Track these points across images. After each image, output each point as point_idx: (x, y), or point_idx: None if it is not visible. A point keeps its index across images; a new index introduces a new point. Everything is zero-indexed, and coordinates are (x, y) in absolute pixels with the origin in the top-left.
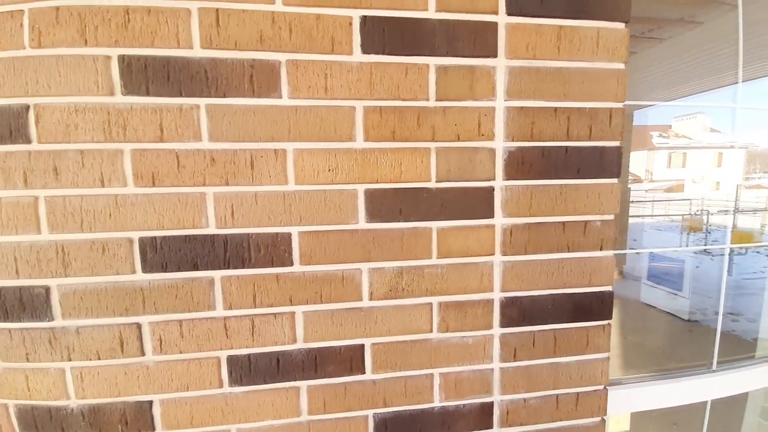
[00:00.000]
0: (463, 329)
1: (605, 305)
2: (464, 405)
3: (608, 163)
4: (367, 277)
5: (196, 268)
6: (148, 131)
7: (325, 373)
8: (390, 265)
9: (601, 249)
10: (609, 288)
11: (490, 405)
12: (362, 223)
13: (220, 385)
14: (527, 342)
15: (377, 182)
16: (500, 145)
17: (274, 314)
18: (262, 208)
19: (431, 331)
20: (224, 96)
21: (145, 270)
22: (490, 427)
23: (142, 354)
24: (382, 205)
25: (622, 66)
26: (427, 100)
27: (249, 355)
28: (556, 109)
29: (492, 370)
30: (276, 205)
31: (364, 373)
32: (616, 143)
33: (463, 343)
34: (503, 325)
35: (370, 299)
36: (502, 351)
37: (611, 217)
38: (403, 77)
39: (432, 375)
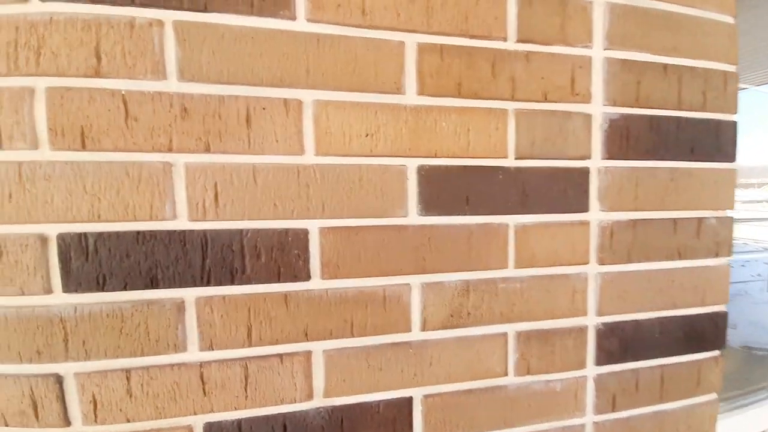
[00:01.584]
0: (548, 370)
1: (719, 330)
2: None
3: (724, 142)
4: (419, 296)
5: (154, 284)
6: (76, 59)
7: None
8: (452, 278)
9: (716, 256)
10: (723, 308)
11: None
12: (413, 217)
13: None
14: (629, 384)
15: (435, 156)
16: (599, 109)
17: (280, 356)
18: (265, 190)
19: (506, 373)
20: (205, 9)
21: (68, 288)
22: None
23: (67, 423)
24: (443, 190)
25: (732, 20)
26: (505, 39)
27: (239, 421)
28: (665, 66)
29: (583, 426)
30: (286, 186)
31: None
32: (732, 117)
33: (549, 391)
34: (600, 362)
35: (423, 329)
36: (598, 399)
37: (728, 213)
38: (474, 4)
39: None
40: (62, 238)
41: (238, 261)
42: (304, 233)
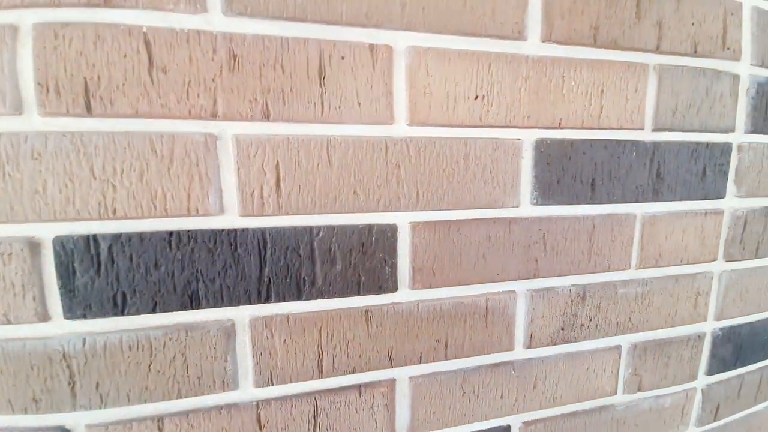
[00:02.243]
0: (660, 385)
1: None
2: None
3: None
4: (526, 306)
5: (195, 303)
6: None
7: None
8: (566, 282)
9: None
10: None
11: None
12: (526, 207)
13: None
14: (733, 392)
15: (559, 126)
16: (746, 71)
17: (358, 387)
18: (342, 173)
19: (615, 392)
20: None
21: (72, 313)
22: None
23: None
24: (565, 172)
25: None
26: None
27: None
28: None
29: None
30: (370, 167)
31: None
32: None
33: (658, 407)
34: (711, 371)
35: (528, 346)
36: (703, 410)
37: None
38: None
39: None
40: (61, 244)
41: (306, 269)
42: (392, 230)
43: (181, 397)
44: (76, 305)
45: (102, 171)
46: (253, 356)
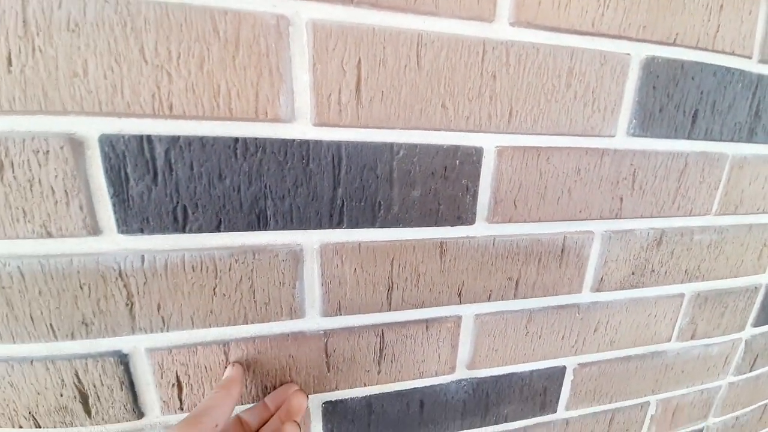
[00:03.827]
0: (712, 334)
1: None
2: None
3: None
4: (601, 247)
5: (262, 223)
6: None
7: (498, 415)
8: (645, 225)
9: None
10: None
11: (700, 431)
12: (622, 137)
13: None
14: None
15: (673, 43)
16: None
17: (426, 322)
18: (431, 80)
19: (669, 339)
20: None
21: (128, 226)
22: None
23: (138, 415)
24: (670, 100)
25: None
26: None
27: (368, 399)
28: None
29: (719, 387)
30: (463, 75)
31: (554, 412)
32: None
33: (705, 355)
34: (758, 323)
35: (597, 289)
36: (743, 360)
37: None
38: None
39: (647, 404)
40: (110, 143)
41: (383, 192)
42: (478, 154)
43: (247, 323)
44: (132, 218)
45: (154, 53)
46: (322, 284)
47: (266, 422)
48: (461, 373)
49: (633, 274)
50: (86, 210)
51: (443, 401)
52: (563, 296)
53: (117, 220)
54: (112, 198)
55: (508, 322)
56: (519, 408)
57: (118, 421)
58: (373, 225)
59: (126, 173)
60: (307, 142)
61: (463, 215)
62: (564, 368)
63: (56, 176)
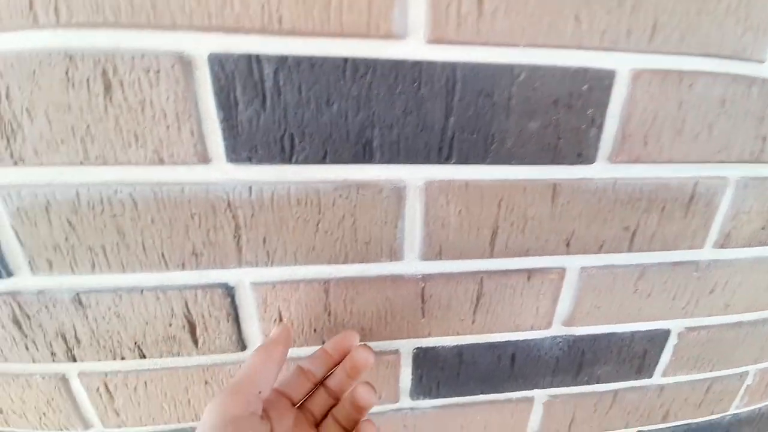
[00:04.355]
0: None
1: None
2: (759, 409)
3: None
4: (733, 196)
5: (368, 155)
6: None
7: (591, 375)
8: None
9: None
10: None
11: None
12: None
13: None
14: None
15: None
16: None
17: (528, 272)
18: None
19: None
20: None
21: (236, 155)
22: None
23: (240, 347)
24: None
25: None
26: None
27: (459, 348)
28: None
29: None
30: None
31: (650, 377)
32: None
33: None
34: None
35: (721, 245)
36: None
37: None
38: None
39: (746, 373)
40: (219, 63)
41: (498, 123)
42: (609, 78)
43: (347, 262)
44: (241, 146)
45: None
46: (424, 225)
47: (330, 370)
48: (557, 329)
49: (763, 228)
50: (197, 136)
51: (536, 357)
52: (682, 251)
53: (226, 148)
54: (221, 123)
55: (617, 278)
56: (614, 370)
57: (223, 352)
58: (483, 161)
59: (235, 96)
60: (419, 63)
61: (584, 152)
62: (668, 331)
63: (168, 98)
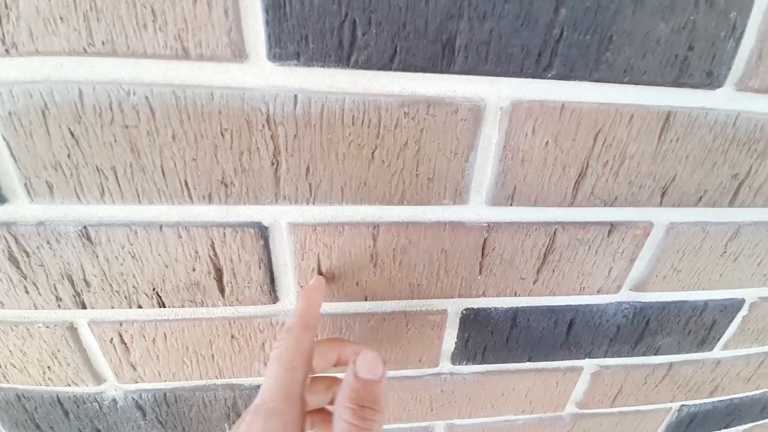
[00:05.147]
0: None
1: None
2: None
3: None
4: None
5: (446, 59)
6: None
7: (650, 346)
8: None
9: None
10: None
11: None
12: None
13: None
14: None
15: None
16: None
17: (610, 225)
18: None
19: None
20: None
21: (278, 49)
22: None
23: (273, 298)
24: None
25: None
26: None
27: (515, 311)
28: None
29: None
30: None
31: (711, 350)
32: None
33: None
34: None
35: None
36: None
37: None
38: None
39: None
40: None
41: (623, 18)
42: None
43: (403, 203)
44: (288, 35)
45: None
46: (501, 160)
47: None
48: (626, 294)
49: None
50: (232, 17)
51: (595, 323)
52: None
53: (269, 37)
54: (266, 18)
55: (707, 237)
56: (676, 342)
57: (253, 304)
58: (590, 75)
59: None
60: None
61: (716, 71)
62: (743, 301)
63: None
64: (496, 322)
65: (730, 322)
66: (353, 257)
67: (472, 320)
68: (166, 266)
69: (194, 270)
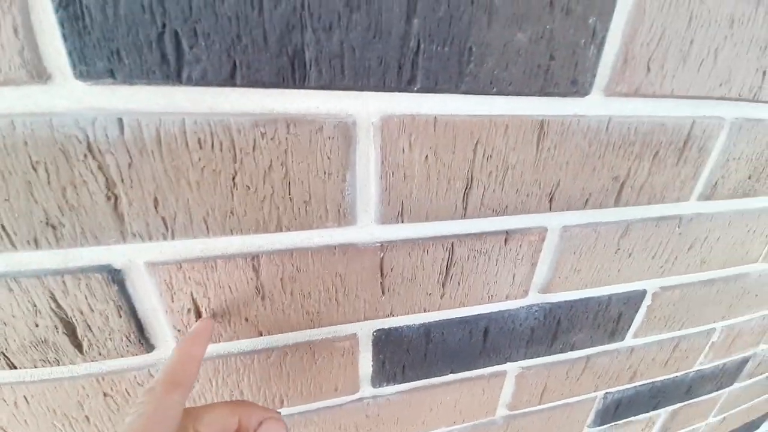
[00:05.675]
0: None
1: None
2: (724, 364)
3: None
4: (726, 140)
5: (298, 74)
6: None
7: (565, 343)
8: None
9: None
10: None
11: (748, 358)
12: None
13: None
14: None
15: None
16: None
17: (506, 233)
18: None
19: (757, 259)
20: None
21: (83, 66)
22: (732, 383)
23: None
24: None
25: None
26: None
27: (427, 326)
28: None
29: None
30: None
31: (623, 340)
32: None
33: None
34: None
35: (706, 197)
36: None
37: None
38: None
39: (713, 330)
40: None
41: (478, 30)
42: None
43: (281, 229)
44: (93, 49)
45: None
46: (381, 177)
47: None
48: (534, 297)
49: (749, 178)
50: (23, 34)
51: (510, 329)
52: (668, 205)
53: (70, 53)
54: (57, 10)
55: (599, 237)
56: (588, 336)
57: (121, 356)
58: (457, 88)
59: None
60: None
61: (580, 79)
62: (644, 292)
63: None
64: (410, 340)
65: (636, 312)
66: (235, 292)
67: (384, 341)
68: (5, 323)
69: (37, 326)
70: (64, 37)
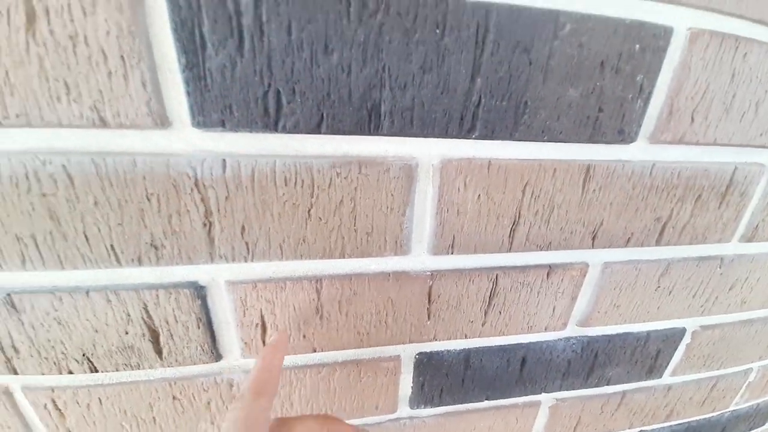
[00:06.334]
0: None
1: None
2: (758, 404)
3: None
4: (766, 186)
5: (373, 123)
6: None
7: (602, 377)
8: None
9: None
10: None
11: None
12: None
13: None
14: None
15: None
16: None
17: (549, 267)
18: None
19: None
20: None
21: (201, 117)
22: (764, 422)
23: None
24: None
25: None
26: None
27: (467, 352)
28: None
29: None
30: None
31: (660, 377)
32: None
33: None
34: None
35: (748, 239)
36: None
37: None
38: None
39: (750, 370)
40: None
41: (534, 86)
42: (666, 37)
43: (344, 256)
44: (210, 104)
45: None
46: (437, 213)
47: None
48: (572, 330)
49: None
50: (150, 88)
51: (547, 359)
52: (709, 245)
53: (191, 107)
54: (183, 72)
55: (640, 274)
56: (625, 371)
57: (194, 363)
58: (511, 136)
59: (202, 34)
60: (445, 0)
61: (626, 129)
62: (684, 330)
63: (108, 32)
64: (450, 365)
65: (675, 350)
66: (298, 311)
67: (425, 364)
68: (96, 331)
69: (127, 333)
70: (188, 93)
